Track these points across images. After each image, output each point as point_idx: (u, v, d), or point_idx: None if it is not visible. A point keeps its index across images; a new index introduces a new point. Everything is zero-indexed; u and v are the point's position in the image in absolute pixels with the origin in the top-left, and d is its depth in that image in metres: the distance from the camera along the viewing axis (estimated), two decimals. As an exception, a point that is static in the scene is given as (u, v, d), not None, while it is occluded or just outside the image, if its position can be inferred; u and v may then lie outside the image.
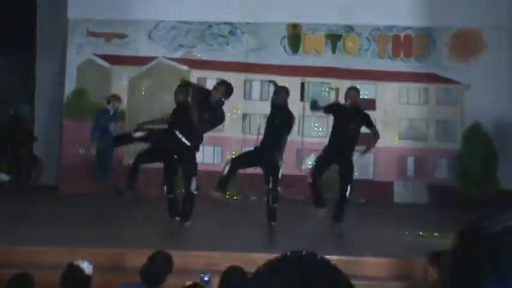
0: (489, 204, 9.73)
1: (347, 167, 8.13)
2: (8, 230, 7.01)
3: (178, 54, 11.54)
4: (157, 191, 9.34)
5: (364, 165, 10.56)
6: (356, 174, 8.47)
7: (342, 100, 8.93)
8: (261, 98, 11.32)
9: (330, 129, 8.56)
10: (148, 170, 9.78)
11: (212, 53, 11.48)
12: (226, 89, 7.75)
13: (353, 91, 8.41)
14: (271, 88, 8.65)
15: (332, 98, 11.00)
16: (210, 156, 11.09)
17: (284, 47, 11.52)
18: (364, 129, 8.32)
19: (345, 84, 9.03)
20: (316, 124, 11.23)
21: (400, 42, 11.48)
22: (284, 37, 11.52)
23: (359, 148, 8.29)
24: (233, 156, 8.99)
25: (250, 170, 9.11)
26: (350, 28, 11.48)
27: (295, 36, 11.55)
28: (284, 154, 8.02)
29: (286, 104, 8.04)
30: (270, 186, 7.84)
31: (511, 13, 11.11)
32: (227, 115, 8.30)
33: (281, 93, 8.15)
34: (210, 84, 9.36)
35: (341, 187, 8.11)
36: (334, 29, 11.50)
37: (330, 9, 11.07)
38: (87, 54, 11.55)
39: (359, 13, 11.07)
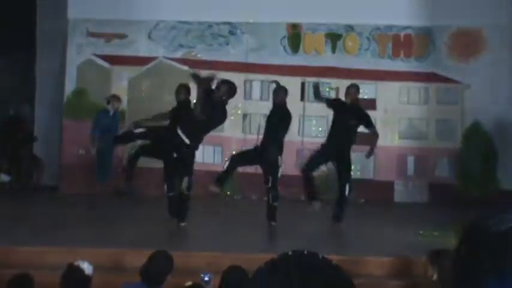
0: (489, 203, 9.73)
1: (345, 165, 8.14)
2: (8, 230, 7.02)
3: (178, 54, 11.53)
4: (157, 191, 9.34)
5: (364, 164, 10.56)
6: (357, 174, 8.46)
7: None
8: (261, 98, 11.32)
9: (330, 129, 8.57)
10: (149, 170, 9.80)
11: (212, 53, 11.47)
12: (229, 88, 7.72)
13: (353, 88, 8.44)
14: (272, 87, 8.63)
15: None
16: (210, 156, 11.09)
17: (284, 46, 11.52)
18: (363, 129, 8.34)
19: (345, 84, 9.01)
20: (316, 124, 11.23)
21: (400, 42, 11.47)
22: (284, 37, 11.52)
23: (362, 149, 8.30)
24: (233, 153, 8.98)
25: (250, 170, 9.12)
26: (350, 28, 11.48)
27: (295, 36, 11.55)
28: (284, 154, 8.03)
29: (284, 104, 8.07)
30: (270, 185, 7.85)
31: (511, 12, 11.11)
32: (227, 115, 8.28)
33: (280, 92, 8.17)
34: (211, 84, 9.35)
35: (339, 186, 8.12)
36: (334, 28, 11.49)
37: (330, 9, 11.07)
38: (87, 54, 11.55)
39: (359, 13, 11.07)
